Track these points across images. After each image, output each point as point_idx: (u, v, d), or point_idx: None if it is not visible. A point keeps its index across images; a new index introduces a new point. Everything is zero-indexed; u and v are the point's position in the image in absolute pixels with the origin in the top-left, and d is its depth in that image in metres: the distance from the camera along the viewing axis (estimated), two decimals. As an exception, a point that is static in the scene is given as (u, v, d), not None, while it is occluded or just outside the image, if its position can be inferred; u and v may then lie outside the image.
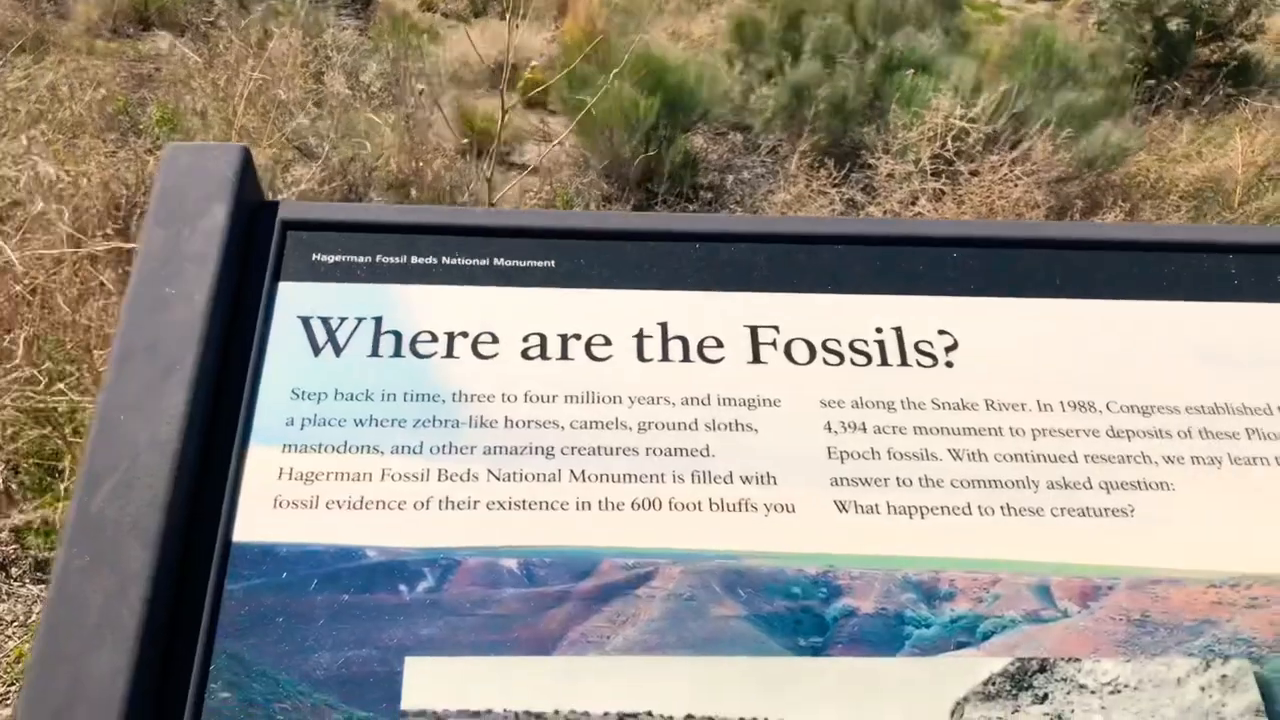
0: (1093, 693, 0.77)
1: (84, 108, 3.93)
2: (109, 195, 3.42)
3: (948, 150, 4.00)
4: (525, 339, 0.91)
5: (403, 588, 0.79)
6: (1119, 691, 0.77)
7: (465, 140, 4.23)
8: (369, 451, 0.84)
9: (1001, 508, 0.85)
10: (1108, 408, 0.90)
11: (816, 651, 0.79)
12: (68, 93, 4.02)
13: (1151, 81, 5.26)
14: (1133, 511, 0.85)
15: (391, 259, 0.94)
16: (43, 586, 2.46)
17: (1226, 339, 0.95)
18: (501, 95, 3.05)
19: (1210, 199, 4.31)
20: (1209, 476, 0.87)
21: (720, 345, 0.93)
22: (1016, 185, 3.82)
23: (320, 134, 4.17)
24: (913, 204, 3.95)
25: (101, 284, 2.88)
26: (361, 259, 0.94)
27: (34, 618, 2.41)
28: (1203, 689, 0.78)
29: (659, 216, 1.03)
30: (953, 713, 0.76)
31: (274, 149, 3.92)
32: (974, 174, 3.95)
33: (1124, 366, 0.93)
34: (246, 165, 0.94)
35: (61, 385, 2.52)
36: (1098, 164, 4.24)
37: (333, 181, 4.03)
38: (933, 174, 3.98)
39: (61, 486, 2.53)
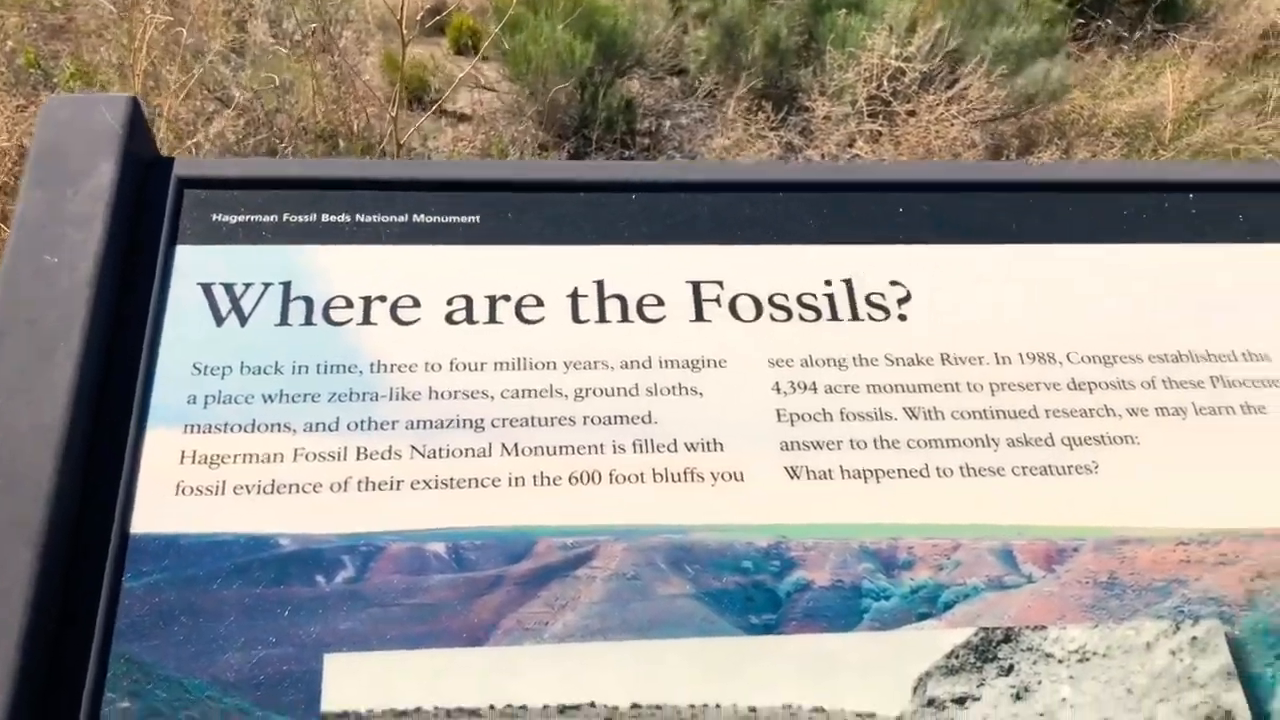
0: (1060, 662, 0.74)
1: (-13, 60, 3.72)
2: (20, 154, 3.26)
3: (884, 91, 3.95)
4: (449, 302, 0.84)
5: (320, 579, 0.73)
6: (1087, 660, 0.74)
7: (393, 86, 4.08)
8: (280, 430, 0.77)
9: (960, 468, 0.80)
10: (1068, 359, 0.86)
11: (770, 629, 0.74)
12: (-31, 45, 3.81)
13: (1083, 20, 5.25)
14: (1097, 468, 0.81)
15: (300, 218, 0.86)
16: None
17: (1189, 283, 0.91)
18: (400, 24, 2.92)
19: (1143, 136, 4.33)
20: (1174, 428, 0.83)
21: (661, 303, 0.86)
22: (953, 125, 3.79)
23: (243, 85, 4.00)
24: (850, 146, 3.90)
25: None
26: (267, 218, 0.86)
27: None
28: (1173, 653, 0.74)
29: (592, 165, 0.96)
30: (915, 689, 0.72)
31: (194, 101, 3.75)
32: (911, 114, 3.92)
33: (1084, 314, 0.88)
34: (136, 117, 0.86)
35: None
36: (1035, 101, 4.22)
37: (257, 134, 3.88)
38: (869, 115, 3.94)
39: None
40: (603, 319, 0.85)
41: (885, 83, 4.06)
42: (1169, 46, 5.30)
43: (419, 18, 4.40)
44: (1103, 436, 0.82)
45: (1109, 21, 5.50)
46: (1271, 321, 0.89)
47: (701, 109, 4.52)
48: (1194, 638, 0.75)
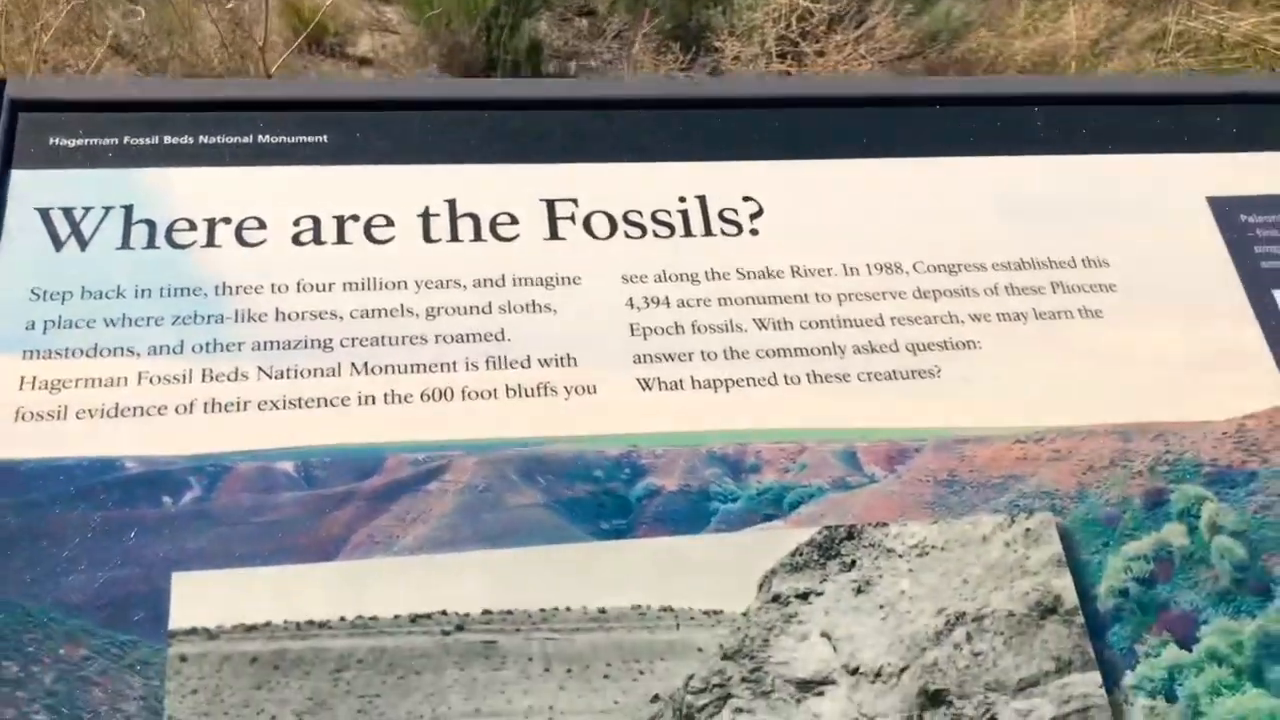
0: (900, 556, 0.76)
1: None
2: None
3: (792, 31, 3.96)
4: (296, 223, 0.83)
5: (166, 499, 0.72)
6: (926, 554, 0.76)
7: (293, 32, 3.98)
8: (123, 354, 0.76)
9: (807, 375, 0.82)
10: (914, 269, 0.88)
11: (620, 534, 0.75)
12: None
13: (990, -43, 5.28)
14: (939, 372, 0.83)
15: (141, 140, 0.85)
16: None
17: (1032, 192, 0.93)
18: None
19: (1047, 73, 4.39)
20: (1015, 332, 0.86)
21: (515, 221, 0.87)
22: (861, 64, 3.81)
23: (134, 30, 3.87)
24: (759, 86, 3.90)
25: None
26: (107, 141, 0.84)
27: None
28: (1007, 544, 0.77)
29: (441, 83, 0.96)
30: (760, 586, 0.74)
31: (81, 46, 3.62)
32: (820, 55, 3.93)
33: (930, 225, 0.90)
34: (-36, 39, 0.83)
35: None
36: (940, 39, 4.26)
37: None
38: (779, 56, 3.94)
39: None
40: (455, 238, 0.85)
41: (794, 23, 4.06)
42: (1072, -16, 5.36)
43: (317, -42, 4.29)
44: (946, 342, 0.85)
45: (1015, -40, 5.55)
46: (1110, 228, 0.92)
47: (610, 50, 4.48)
48: (1027, 530, 0.78)
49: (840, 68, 3.94)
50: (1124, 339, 0.87)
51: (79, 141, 0.83)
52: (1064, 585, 0.76)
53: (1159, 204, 0.94)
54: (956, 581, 0.76)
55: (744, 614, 0.73)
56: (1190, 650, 0.74)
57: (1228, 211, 0.94)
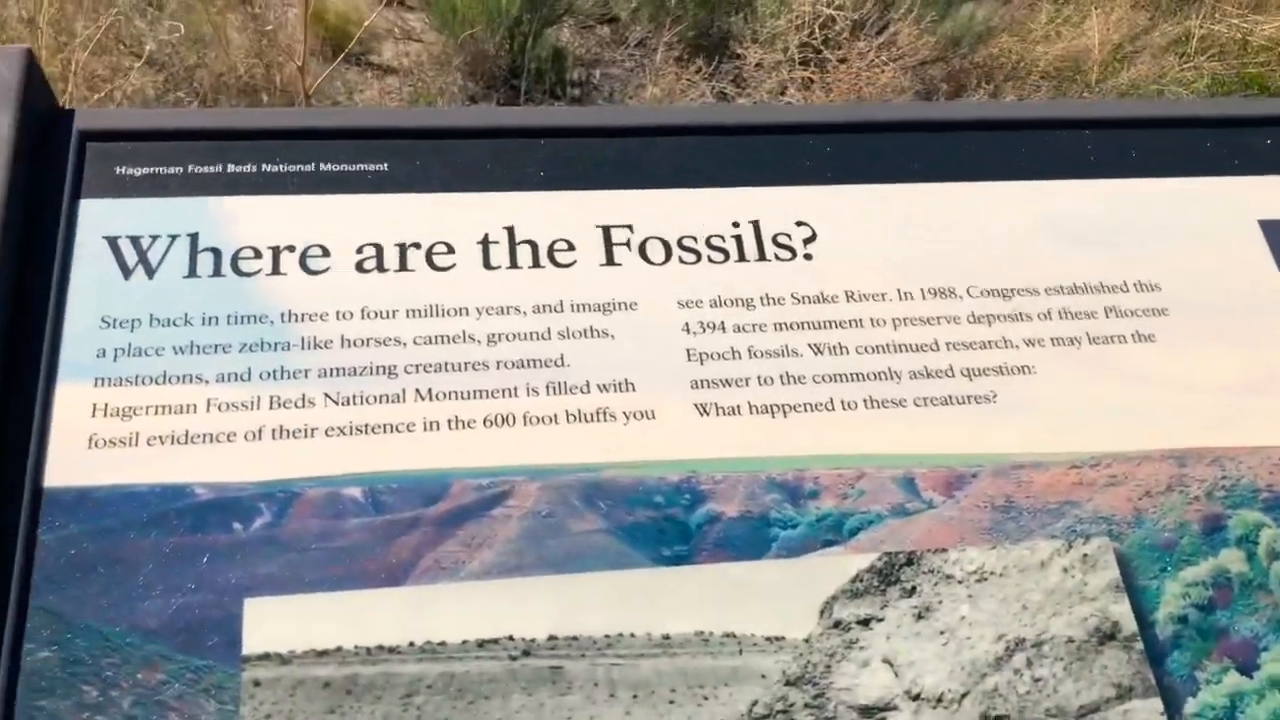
0: (960, 582, 0.77)
1: (-112, 17, 3.59)
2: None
3: (815, 38, 3.96)
4: (359, 250, 0.84)
5: (237, 526, 0.74)
6: (985, 579, 0.77)
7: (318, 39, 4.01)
8: (191, 381, 0.77)
9: (864, 401, 0.83)
10: (968, 293, 0.89)
11: (681, 560, 0.76)
12: None
13: (1012, -38, 5.28)
14: (995, 397, 0.84)
15: (205, 169, 0.86)
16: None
17: (1084, 216, 0.94)
18: None
19: (1069, 78, 4.38)
20: (1069, 357, 0.87)
21: (571, 248, 0.88)
22: (884, 71, 3.81)
23: (160, 39, 3.90)
24: (782, 94, 3.91)
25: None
26: (172, 170, 0.86)
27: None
28: (1065, 570, 0.78)
29: (499, 111, 0.97)
30: (821, 612, 0.75)
31: (110, 56, 3.65)
32: (842, 61, 3.93)
33: (984, 250, 0.91)
34: (32, 69, 0.84)
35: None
36: (963, 44, 4.26)
37: (176, 89, 3.79)
38: (801, 63, 3.95)
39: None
40: (514, 265, 0.86)
41: (816, 30, 4.07)
42: (1094, -11, 5.35)
43: (342, -32, 4.31)
44: (1001, 367, 0.85)
45: (1036, -36, 5.54)
46: (1161, 252, 0.92)
47: (633, 58, 4.49)
48: (1085, 555, 0.78)
49: (862, 74, 3.94)
50: (1178, 363, 0.87)
51: (145, 170, 0.85)
52: (1123, 611, 0.76)
53: (1210, 228, 0.94)
54: (1016, 607, 0.76)
55: (806, 640, 0.74)
56: (1251, 677, 0.74)
57: None
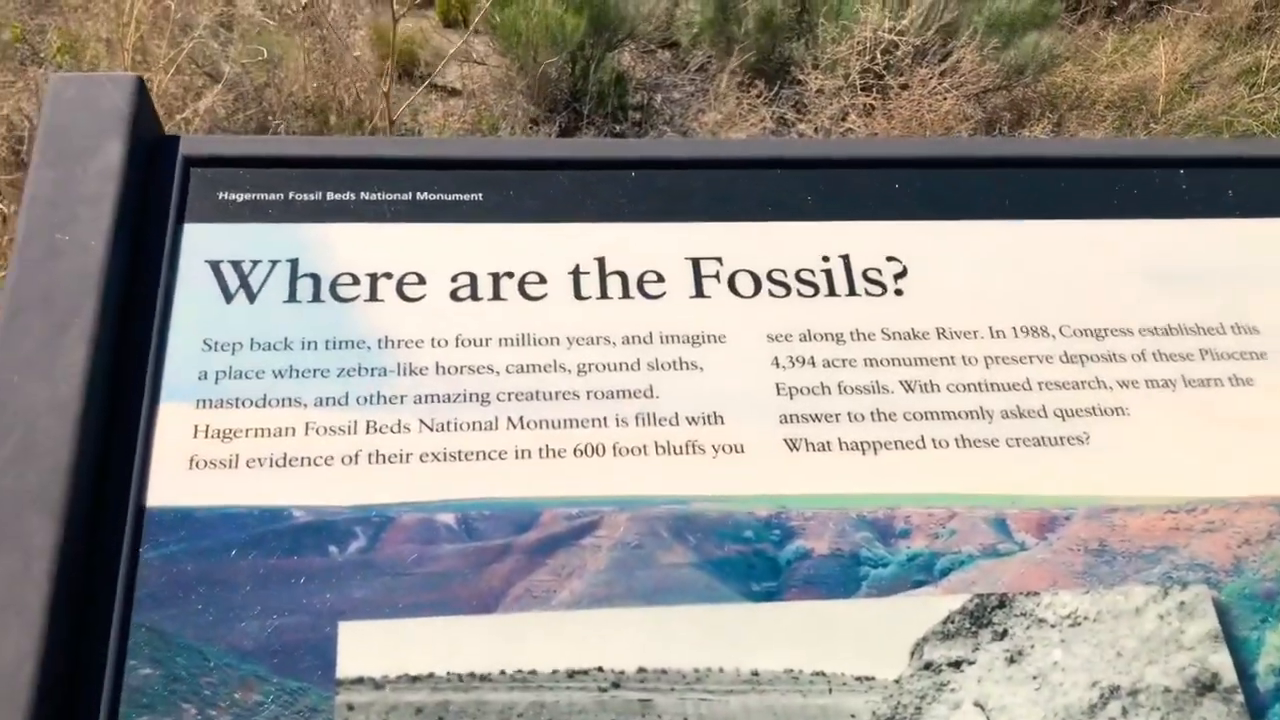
0: (1053, 626, 0.76)
1: (-26, 35, 3.70)
2: (9, 128, 3.25)
3: (877, 64, 3.95)
4: (454, 279, 0.86)
5: (333, 549, 0.75)
6: (1079, 624, 0.76)
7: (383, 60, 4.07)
8: (290, 405, 0.79)
9: (956, 440, 0.82)
10: (1060, 332, 0.88)
11: (770, 596, 0.76)
12: (-45, 19, 3.79)
13: (1076, -10, 5.24)
14: (1088, 439, 0.83)
15: (306, 196, 0.88)
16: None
17: (1179, 257, 0.93)
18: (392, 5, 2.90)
19: (1135, 108, 4.33)
20: (1164, 399, 0.86)
21: (661, 279, 0.88)
22: (946, 98, 3.79)
23: (230, 59, 3.98)
24: (843, 120, 3.91)
25: (4, 219, 2.73)
26: (273, 196, 0.87)
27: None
28: (1161, 617, 0.76)
29: (592, 143, 0.97)
30: (912, 653, 0.74)
31: (182, 76, 3.74)
32: (904, 88, 3.92)
33: (1077, 289, 0.90)
34: (141, 97, 0.87)
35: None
36: (1027, 73, 4.23)
37: (246, 109, 3.87)
38: (863, 89, 3.94)
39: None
40: (604, 295, 0.87)
41: (878, 56, 4.06)
42: (1162, 18, 5.29)
43: (410, -11, 4.37)
44: (1094, 408, 0.84)
45: (1101, -7, 5.49)
46: (1259, 295, 0.91)
47: (694, 83, 4.51)
48: (1182, 602, 0.77)
49: (924, 101, 3.92)
50: (1276, 408, 0.86)
51: (246, 196, 0.87)
52: (1222, 662, 0.75)
53: (1309, 270, 0.93)
54: (1110, 654, 0.75)
55: (896, 681, 0.73)
56: (1357, 734, 0.73)
57: (1378, 277, 0.92)
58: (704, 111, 4.11)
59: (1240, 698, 0.73)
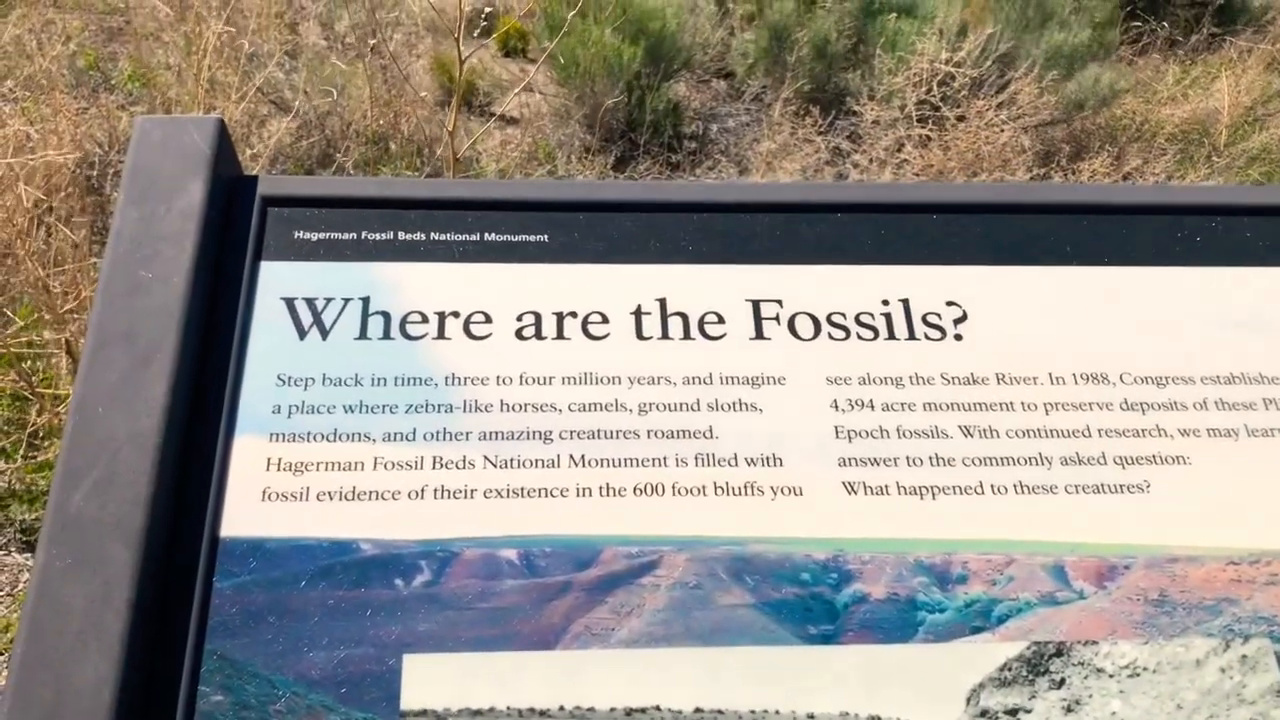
0: (1111, 676, 0.76)
1: (51, 63, 3.83)
2: (81, 154, 3.35)
3: (933, 96, 3.95)
4: (519, 318, 0.88)
5: (399, 582, 0.76)
6: (1138, 675, 0.76)
7: (441, 89, 4.14)
8: (360, 439, 0.81)
9: (1014, 486, 0.82)
10: (1121, 379, 0.88)
11: (827, 639, 0.76)
12: (35, 47, 3.92)
13: (1137, 23, 5.20)
14: (1149, 487, 0.83)
15: (377, 235, 0.90)
16: (28, 555, 2.43)
17: (1242, 305, 0.92)
18: (458, 40, 2.95)
19: (1196, 141, 4.28)
20: (1226, 449, 0.85)
21: (721, 321, 0.89)
22: (1003, 131, 3.77)
23: (295, 87, 4.08)
24: (899, 151, 3.90)
25: (75, 245, 2.81)
26: (346, 236, 0.90)
27: (20, 587, 2.38)
28: (1223, 670, 0.76)
29: (654, 185, 0.99)
30: (969, 700, 0.75)
31: (248, 104, 3.83)
32: (960, 119, 3.90)
33: (1137, 336, 0.90)
34: (222, 138, 0.90)
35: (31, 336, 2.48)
36: (1086, 106, 4.20)
37: (309, 136, 3.95)
38: (918, 120, 3.93)
39: (39, 455, 2.49)
40: (665, 336, 0.88)
41: (935, 87, 4.05)
42: (1225, 50, 5.23)
43: (467, 21, 4.44)
44: (1155, 456, 0.84)
45: (1164, 25, 5.45)
46: (1324, 344, 0.90)
47: (749, 112, 4.54)
48: (1244, 656, 0.76)
49: (981, 133, 3.91)
50: (1341, 460, 0.85)
51: (320, 235, 0.90)
52: (1284, 717, 0.74)
53: (1376, 320, 0.92)
54: (1170, 706, 0.75)
55: (952, 727, 0.73)
56: None
57: None
58: (758, 141, 4.13)
59: (1304, 755, 0.72)
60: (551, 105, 4.32)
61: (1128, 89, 4.40)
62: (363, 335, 0.86)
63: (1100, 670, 0.76)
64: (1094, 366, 0.88)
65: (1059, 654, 0.76)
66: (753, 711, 0.73)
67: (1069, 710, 0.75)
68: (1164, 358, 0.89)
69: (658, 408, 0.84)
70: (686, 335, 0.88)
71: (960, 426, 0.85)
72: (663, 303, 0.90)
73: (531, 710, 0.72)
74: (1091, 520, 0.81)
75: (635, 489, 0.81)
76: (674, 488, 0.81)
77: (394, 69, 4.21)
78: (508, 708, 0.72)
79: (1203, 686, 0.75)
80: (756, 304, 0.90)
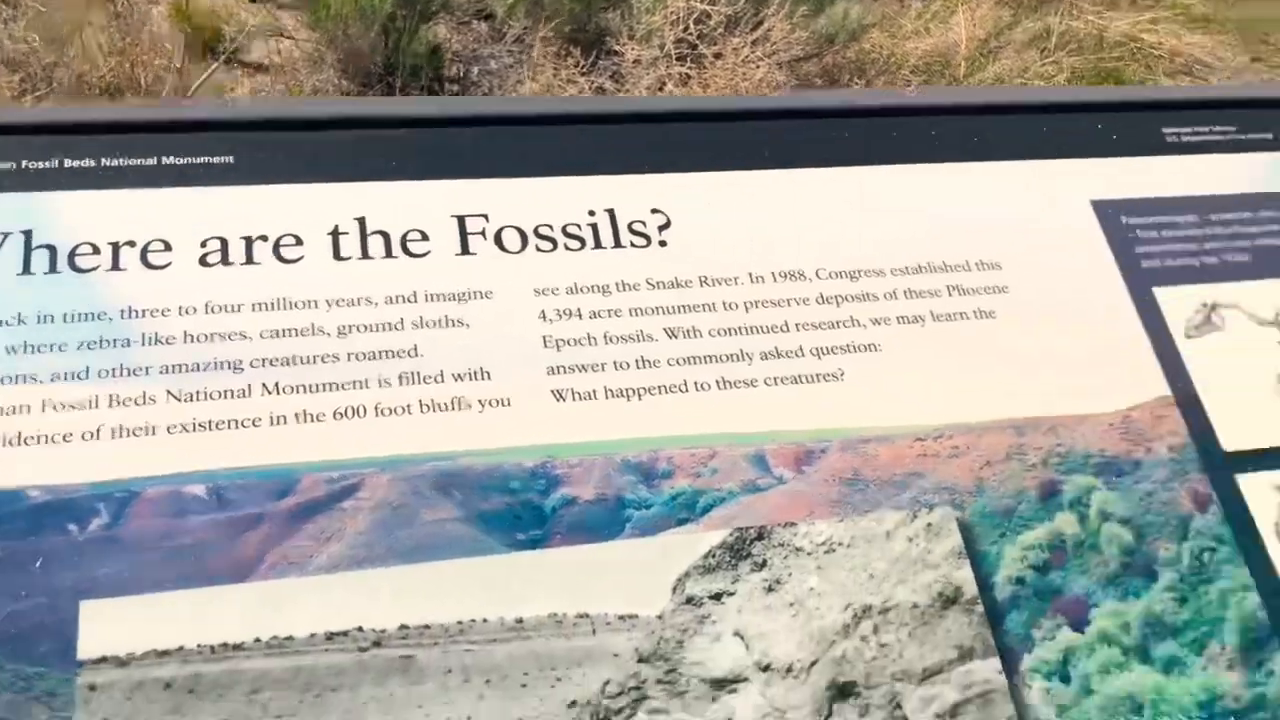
0: (809, 554, 0.79)
1: None
2: None
3: (690, 34, 4.00)
4: (203, 244, 0.83)
5: (73, 527, 0.71)
6: (833, 551, 0.79)
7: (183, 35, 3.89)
8: (25, 381, 0.75)
9: (717, 382, 0.84)
10: (817, 275, 0.91)
11: (536, 544, 0.76)
12: None
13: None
14: (843, 375, 0.86)
15: (41, 164, 0.83)
16: None
17: (930, 200, 0.97)
18: None
19: (939, 73, 4.51)
20: (914, 335, 0.90)
21: (425, 238, 0.87)
22: (759, 67, 3.87)
23: (15, 37, 3.74)
24: (661, 89, 3.94)
25: None
26: (5, 165, 0.82)
27: None
28: (910, 539, 0.80)
29: (349, 102, 0.95)
30: (674, 589, 0.76)
31: (-43, 55, 3.49)
32: (718, 57, 3.98)
33: (832, 233, 0.93)
34: None
35: None
36: (837, 40, 4.34)
37: (36, 90, 3.64)
38: (678, 59, 3.98)
39: None
40: (366, 256, 0.85)
41: (691, 26, 4.10)
42: (961, -15, 5.50)
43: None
44: (848, 345, 0.88)
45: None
46: (1002, 232, 0.96)
47: (511, 54, 4.47)
48: (929, 524, 0.81)
49: (738, 70, 3.99)
50: (1016, 338, 0.91)
51: (-28, 165, 0.82)
52: (964, 576, 0.79)
53: (1046, 208, 0.98)
54: (863, 577, 0.79)
55: (658, 617, 0.75)
56: (1082, 632, 0.78)
57: (1110, 214, 0.99)
58: (521, 83, 4.08)
59: (980, 608, 0.78)
60: (304, 50, 4.13)
61: (874, 23, 4.59)
62: (26, 271, 0.79)
63: (799, 549, 0.79)
64: (792, 265, 0.91)
65: (760, 537, 0.79)
66: (460, 622, 0.73)
67: (770, 590, 0.77)
68: (856, 253, 0.93)
69: (358, 329, 0.82)
70: (389, 254, 0.86)
71: (665, 329, 0.86)
72: (362, 221, 0.86)
73: (224, 645, 0.69)
74: (790, 410, 0.84)
75: (335, 413, 0.78)
76: (377, 409, 0.79)
77: (129, 16, 3.92)
78: (198, 645, 0.69)
79: (892, 555, 0.80)
80: (462, 219, 0.89)
